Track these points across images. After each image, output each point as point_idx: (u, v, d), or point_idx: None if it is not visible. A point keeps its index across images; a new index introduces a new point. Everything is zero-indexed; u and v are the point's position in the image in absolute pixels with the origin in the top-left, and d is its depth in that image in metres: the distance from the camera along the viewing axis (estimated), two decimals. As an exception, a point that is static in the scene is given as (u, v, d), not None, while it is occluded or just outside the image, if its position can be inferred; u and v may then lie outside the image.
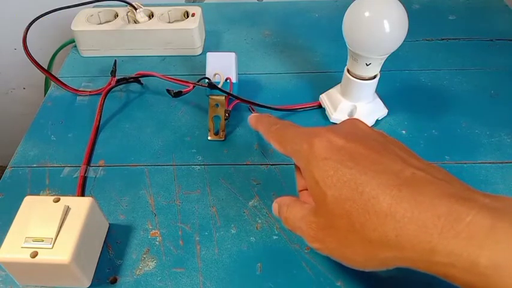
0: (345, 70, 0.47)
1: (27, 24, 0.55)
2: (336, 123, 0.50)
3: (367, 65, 0.44)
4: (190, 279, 0.37)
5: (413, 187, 0.24)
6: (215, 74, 0.50)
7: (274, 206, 0.33)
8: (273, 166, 0.46)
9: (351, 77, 0.46)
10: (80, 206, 0.36)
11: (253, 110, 0.52)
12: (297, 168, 0.33)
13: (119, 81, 0.55)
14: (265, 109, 0.51)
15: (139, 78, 0.56)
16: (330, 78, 0.54)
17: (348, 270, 0.37)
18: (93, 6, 0.62)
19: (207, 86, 0.48)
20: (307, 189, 0.31)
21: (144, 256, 0.39)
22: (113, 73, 0.54)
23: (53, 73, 0.58)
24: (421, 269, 0.24)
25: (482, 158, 0.45)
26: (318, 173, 0.27)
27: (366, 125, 0.31)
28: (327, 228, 0.27)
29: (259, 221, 0.41)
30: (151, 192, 0.44)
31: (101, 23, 0.63)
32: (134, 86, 0.57)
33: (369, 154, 0.27)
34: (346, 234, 0.26)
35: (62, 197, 0.36)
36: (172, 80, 0.50)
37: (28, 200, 0.36)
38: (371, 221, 0.24)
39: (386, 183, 0.24)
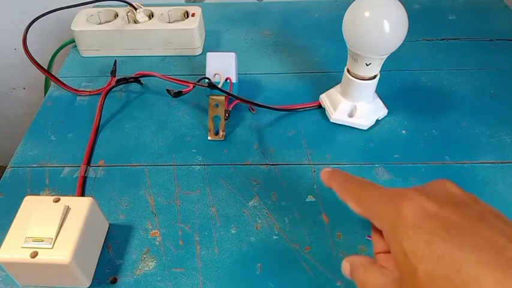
0: (345, 70, 0.47)
1: (27, 24, 0.55)
2: (336, 123, 0.50)
3: (367, 65, 0.44)
4: (190, 279, 0.37)
5: None
6: (215, 74, 0.50)
7: (345, 265, 0.29)
8: (273, 166, 0.46)
9: (351, 77, 0.46)
10: (80, 206, 0.36)
11: (253, 110, 0.52)
12: (376, 229, 0.30)
13: (119, 81, 0.55)
14: (265, 109, 0.51)
15: (139, 78, 0.56)
16: (330, 78, 0.54)
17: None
18: (93, 6, 0.62)
19: (207, 86, 0.48)
20: (385, 253, 0.28)
21: (144, 256, 0.39)
22: (113, 73, 0.54)
23: (53, 73, 0.58)
24: None
25: (482, 158, 0.45)
26: (407, 243, 0.24)
27: (458, 187, 0.27)
28: None
29: (259, 221, 0.41)
30: (151, 192, 0.44)
31: (101, 23, 0.63)
32: (134, 86, 0.57)
33: (465, 225, 0.23)
34: None
35: (62, 197, 0.36)
36: (172, 80, 0.50)
37: (28, 200, 0.36)
38: None
39: (488, 262, 0.21)
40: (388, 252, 0.27)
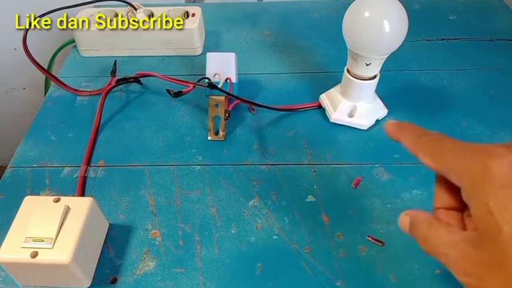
0: (345, 70, 0.47)
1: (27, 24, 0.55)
2: (336, 123, 0.50)
3: (367, 65, 0.44)
4: (190, 279, 0.37)
5: None
6: (215, 74, 0.50)
7: (404, 219, 0.27)
8: (273, 166, 0.46)
9: (351, 77, 0.46)
10: (80, 206, 0.36)
11: (253, 110, 0.52)
12: (441, 182, 0.28)
13: (119, 81, 0.55)
14: (265, 109, 0.51)
15: (139, 78, 0.56)
16: (330, 78, 0.54)
17: (347, 271, 0.37)
18: (93, 6, 0.62)
19: (207, 86, 0.48)
20: (446, 209, 0.27)
21: (144, 256, 0.39)
22: (113, 73, 0.54)
23: (53, 73, 0.58)
24: None
25: (482, 158, 0.45)
26: (495, 202, 0.22)
27: None
28: (491, 267, 0.23)
29: (259, 221, 0.41)
30: (151, 192, 0.44)
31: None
32: (134, 86, 0.57)
33: None
34: None
35: (62, 197, 0.36)
36: (172, 80, 0.50)
37: (28, 200, 0.36)
38: None
39: None
40: (450, 209, 0.26)
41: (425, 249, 0.26)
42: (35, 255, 0.32)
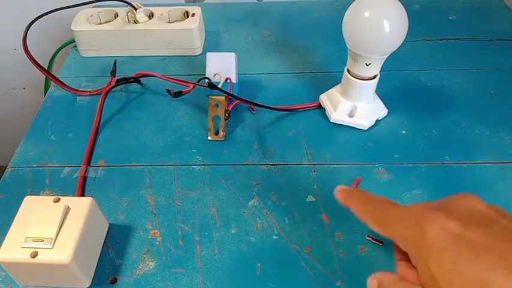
0: (345, 70, 0.47)
1: (27, 24, 0.55)
2: (336, 123, 0.50)
3: (367, 65, 0.44)
4: (190, 279, 0.37)
5: None
6: (215, 74, 0.50)
7: (372, 282, 0.28)
8: (273, 166, 0.46)
9: (351, 77, 0.46)
10: (80, 206, 0.36)
11: (253, 110, 0.52)
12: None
13: (119, 81, 0.55)
14: (265, 109, 0.51)
15: (139, 78, 0.56)
16: (330, 78, 0.54)
17: (347, 271, 0.37)
18: (93, 6, 0.62)
19: (207, 86, 0.48)
20: (406, 261, 0.27)
21: (144, 256, 0.39)
22: (113, 73, 0.54)
23: (53, 73, 0.58)
24: None
25: (482, 158, 0.45)
26: (434, 266, 0.23)
27: (481, 201, 0.26)
28: None
29: (259, 221, 0.41)
30: (151, 192, 0.44)
31: (101, 23, 0.63)
32: (134, 86, 0.57)
33: (492, 244, 0.22)
34: None
35: (62, 197, 0.36)
36: (172, 80, 0.50)
37: (28, 200, 0.36)
38: None
39: None
40: (409, 260, 0.26)
41: None
42: (35, 255, 0.32)
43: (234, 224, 0.41)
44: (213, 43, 0.64)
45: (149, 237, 0.40)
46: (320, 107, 0.52)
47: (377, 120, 0.50)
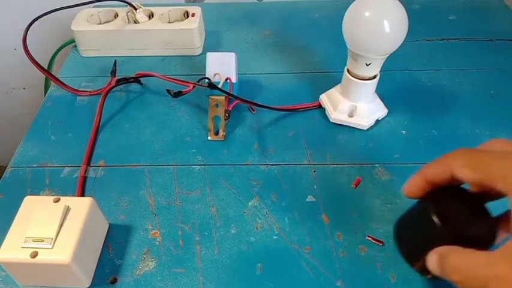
0: (345, 70, 0.47)
1: (27, 24, 0.55)
2: (336, 123, 0.50)
3: (367, 65, 0.44)
4: (190, 279, 0.37)
5: None
6: (215, 74, 0.50)
7: (432, 256, 0.28)
8: (273, 166, 0.46)
9: (351, 77, 0.46)
10: (80, 206, 0.36)
11: (253, 110, 0.52)
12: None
13: (119, 81, 0.55)
14: (265, 109, 0.51)
15: (139, 78, 0.56)
16: (330, 78, 0.54)
17: (347, 271, 0.37)
18: (93, 6, 0.62)
19: (207, 86, 0.48)
20: None
21: (144, 256, 0.39)
22: (113, 73, 0.54)
23: (53, 73, 0.58)
24: None
25: (482, 158, 0.45)
26: None
27: None
28: None
29: (259, 221, 0.41)
30: (151, 192, 0.44)
31: (101, 23, 0.63)
32: (134, 86, 0.57)
33: None
34: None
35: (62, 197, 0.36)
36: (172, 80, 0.50)
37: (28, 200, 0.36)
38: None
39: None
40: None
41: (453, 279, 0.26)
42: (35, 255, 0.32)
43: (234, 224, 0.41)
44: (213, 43, 0.64)
45: (149, 237, 0.40)
46: (320, 107, 0.52)
47: (377, 120, 0.50)
